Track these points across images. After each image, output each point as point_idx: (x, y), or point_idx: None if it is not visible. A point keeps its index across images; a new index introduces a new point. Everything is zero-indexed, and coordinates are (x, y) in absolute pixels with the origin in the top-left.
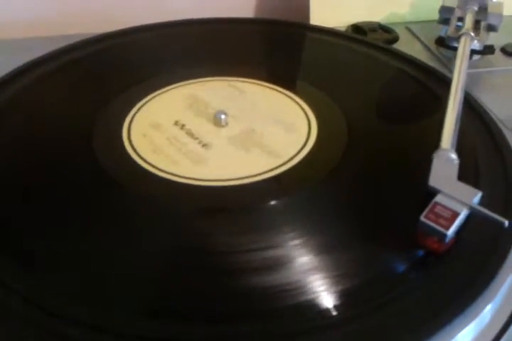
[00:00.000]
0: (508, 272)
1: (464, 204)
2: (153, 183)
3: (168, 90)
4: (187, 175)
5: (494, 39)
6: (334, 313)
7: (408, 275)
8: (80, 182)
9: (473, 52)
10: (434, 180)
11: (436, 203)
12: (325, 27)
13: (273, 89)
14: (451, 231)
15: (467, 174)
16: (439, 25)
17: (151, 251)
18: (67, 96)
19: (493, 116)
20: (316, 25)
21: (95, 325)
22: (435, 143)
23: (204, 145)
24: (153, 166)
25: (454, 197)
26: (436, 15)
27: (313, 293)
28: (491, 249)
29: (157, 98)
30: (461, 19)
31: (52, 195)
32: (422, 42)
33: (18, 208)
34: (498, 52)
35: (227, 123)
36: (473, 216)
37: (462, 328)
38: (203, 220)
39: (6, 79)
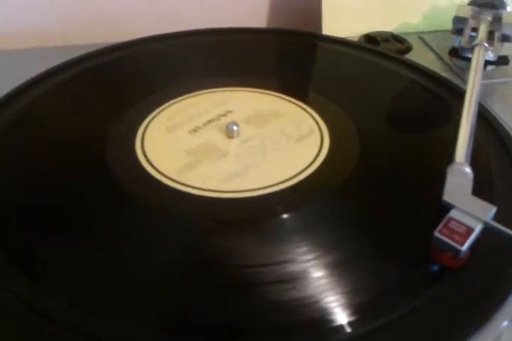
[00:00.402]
0: None
1: (478, 219)
2: (166, 194)
3: (181, 100)
4: (201, 187)
5: (509, 49)
6: (348, 330)
7: (423, 290)
8: (92, 192)
9: (487, 62)
10: (449, 195)
11: (451, 218)
12: (337, 37)
13: (285, 99)
14: (465, 247)
15: (481, 187)
16: (452, 35)
17: (163, 263)
18: (80, 107)
19: (507, 128)
20: (328, 35)
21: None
22: (449, 155)
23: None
24: (166, 177)
25: (469, 213)
26: (449, 25)
27: (328, 308)
28: (505, 263)
29: (170, 108)
30: (475, 29)
31: (62, 203)
32: (435, 52)
33: (30, 217)
34: None
35: (238, 134)
36: (487, 230)
37: None
38: (217, 233)
39: (19, 90)
